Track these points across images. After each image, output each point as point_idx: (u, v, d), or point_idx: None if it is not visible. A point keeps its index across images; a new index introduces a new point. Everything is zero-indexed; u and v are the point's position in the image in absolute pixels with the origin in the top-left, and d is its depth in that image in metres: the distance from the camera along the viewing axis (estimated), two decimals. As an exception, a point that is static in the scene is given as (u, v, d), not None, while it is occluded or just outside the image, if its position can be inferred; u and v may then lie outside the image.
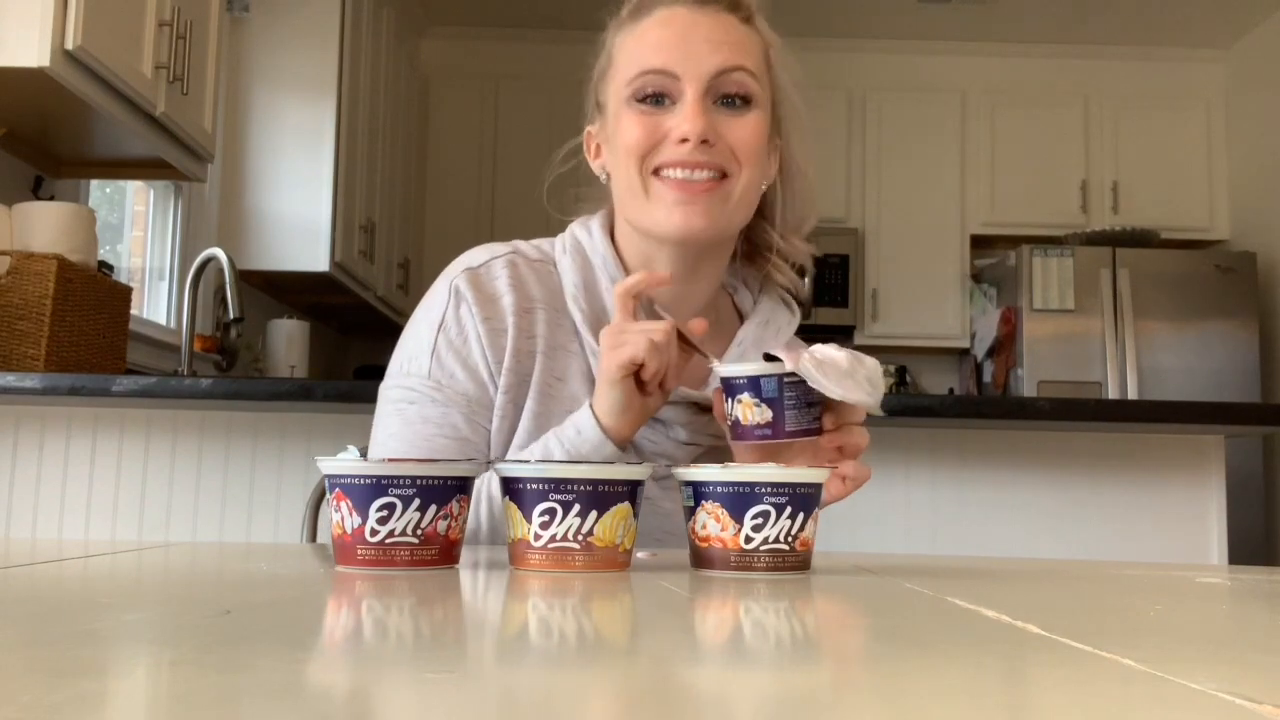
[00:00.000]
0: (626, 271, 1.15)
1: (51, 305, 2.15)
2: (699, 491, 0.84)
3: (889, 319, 5.40)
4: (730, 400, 1.00)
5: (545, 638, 0.57)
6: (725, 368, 1.02)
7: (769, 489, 0.82)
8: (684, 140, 1.07)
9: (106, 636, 0.52)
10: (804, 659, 0.52)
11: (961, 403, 2.71)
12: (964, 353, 5.45)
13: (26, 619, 0.57)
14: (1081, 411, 2.13)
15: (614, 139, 1.13)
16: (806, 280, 1.27)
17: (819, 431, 1.01)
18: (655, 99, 1.09)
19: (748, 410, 0.99)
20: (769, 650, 0.54)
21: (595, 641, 0.57)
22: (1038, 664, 0.49)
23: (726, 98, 1.09)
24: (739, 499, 0.82)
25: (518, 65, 5.48)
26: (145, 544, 1.09)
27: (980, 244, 5.49)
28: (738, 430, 1.01)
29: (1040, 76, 5.54)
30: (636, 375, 1.03)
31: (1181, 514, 2.27)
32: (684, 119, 1.07)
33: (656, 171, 1.09)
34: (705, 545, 0.84)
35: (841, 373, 0.96)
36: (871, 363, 0.99)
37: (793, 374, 0.97)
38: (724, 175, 1.09)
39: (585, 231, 1.19)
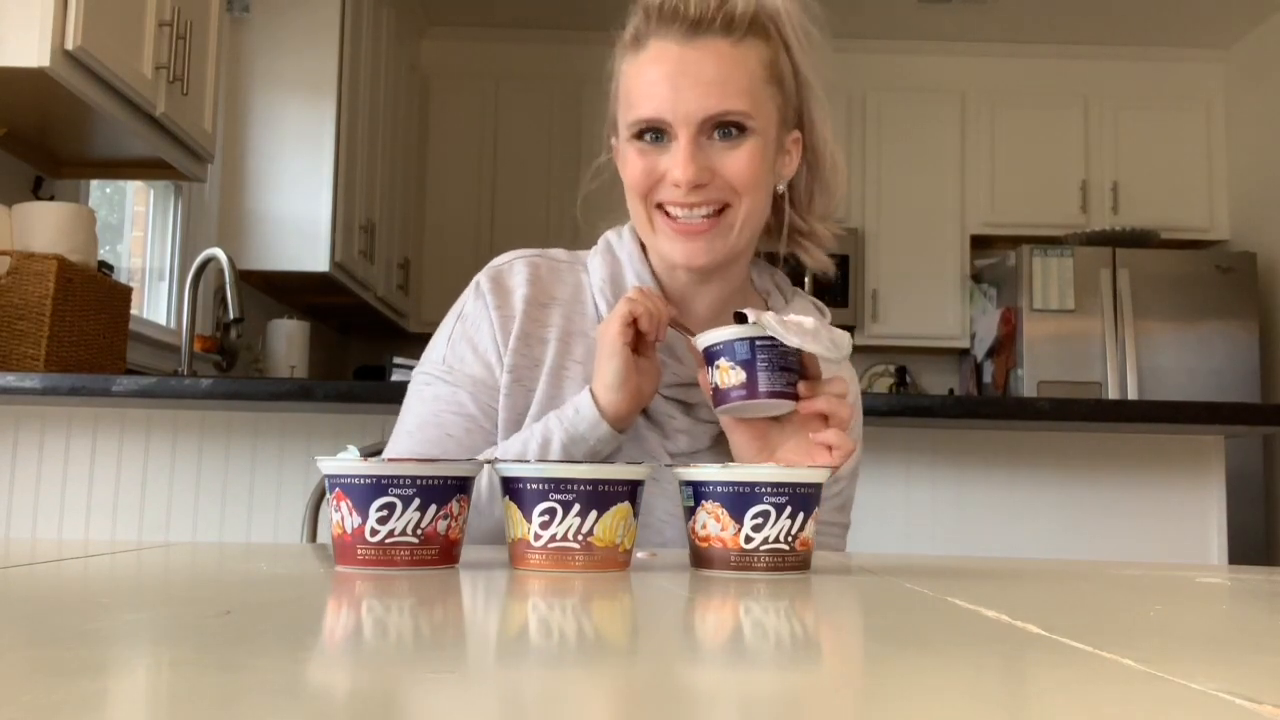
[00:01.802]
0: (652, 270, 1.22)
1: (51, 305, 2.15)
2: (699, 491, 0.84)
3: (889, 319, 5.40)
4: (710, 369, 1.06)
5: (545, 638, 0.57)
6: (700, 337, 1.07)
7: (769, 489, 0.82)
8: (678, 184, 1.12)
9: (106, 636, 0.52)
10: (804, 659, 0.52)
11: (961, 403, 2.71)
12: (964, 353, 5.46)
13: (26, 619, 0.57)
14: (1081, 412, 2.13)
15: (622, 169, 1.19)
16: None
17: (795, 396, 1.05)
18: (654, 135, 1.14)
19: (724, 374, 1.05)
20: (769, 650, 0.54)
21: (595, 641, 0.57)
22: (1038, 664, 0.49)
23: (721, 128, 1.13)
24: (739, 499, 0.82)
25: (517, 65, 5.49)
26: (145, 544, 1.09)
27: (980, 244, 5.49)
28: (717, 396, 1.06)
29: (1040, 76, 5.54)
30: (634, 344, 1.10)
31: (1181, 514, 2.27)
32: (675, 164, 1.12)
33: (659, 205, 1.15)
34: (705, 545, 0.84)
35: (804, 331, 1.03)
36: (840, 333, 1.06)
37: (765, 337, 1.03)
38: (724, 206, 1.14)
39: (616, 235, 1.26)
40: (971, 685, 0.44)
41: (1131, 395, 4.71)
